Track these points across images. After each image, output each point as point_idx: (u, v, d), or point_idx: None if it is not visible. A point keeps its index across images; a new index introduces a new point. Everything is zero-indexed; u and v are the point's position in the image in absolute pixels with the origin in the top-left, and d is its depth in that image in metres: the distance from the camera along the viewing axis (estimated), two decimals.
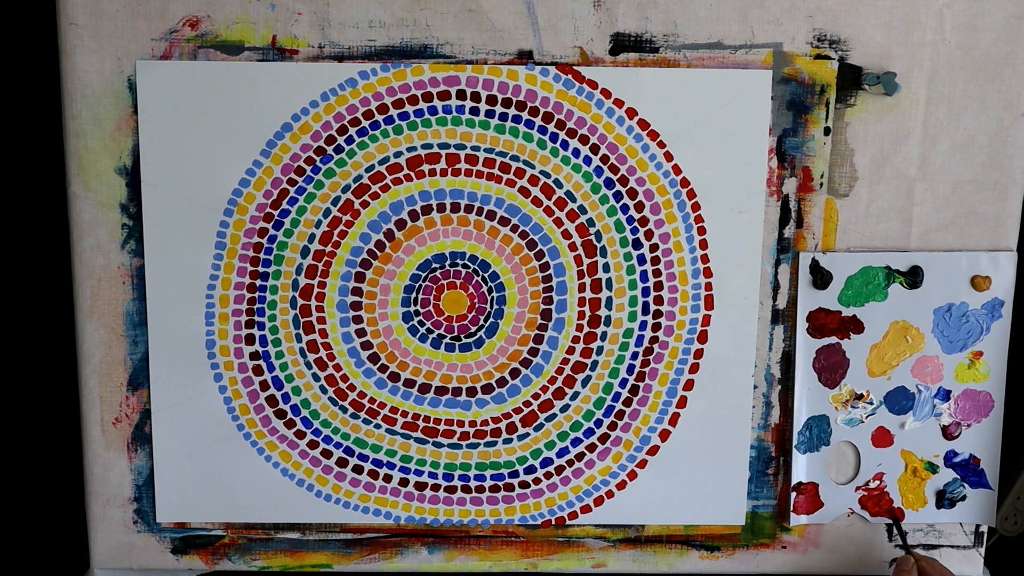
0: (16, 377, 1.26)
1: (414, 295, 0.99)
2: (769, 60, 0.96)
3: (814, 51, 0.97)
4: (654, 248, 1.00)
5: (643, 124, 0.97)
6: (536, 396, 1.02)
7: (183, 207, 0.97)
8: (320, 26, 0.95)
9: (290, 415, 1.01)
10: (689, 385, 1.02)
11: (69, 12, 0.93)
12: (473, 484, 1.03)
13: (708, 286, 1.00)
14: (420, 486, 1.03)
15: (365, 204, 0.98)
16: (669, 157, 0.98)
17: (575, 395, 1.02)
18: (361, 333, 1.00)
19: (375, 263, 0.99)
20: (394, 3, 0.94)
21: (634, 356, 1.01)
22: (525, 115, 0.97)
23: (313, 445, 1.02)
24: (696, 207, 0.99)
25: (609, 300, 1.00)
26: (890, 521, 1.05)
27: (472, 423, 1.02)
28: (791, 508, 1.04)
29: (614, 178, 0.98)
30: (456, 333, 1.00)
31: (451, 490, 1.03)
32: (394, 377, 1.01)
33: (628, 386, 1.02)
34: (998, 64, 0.97)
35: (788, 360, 1.02)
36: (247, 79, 0.95)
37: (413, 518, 1.04)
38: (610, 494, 1.04)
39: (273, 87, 0.95)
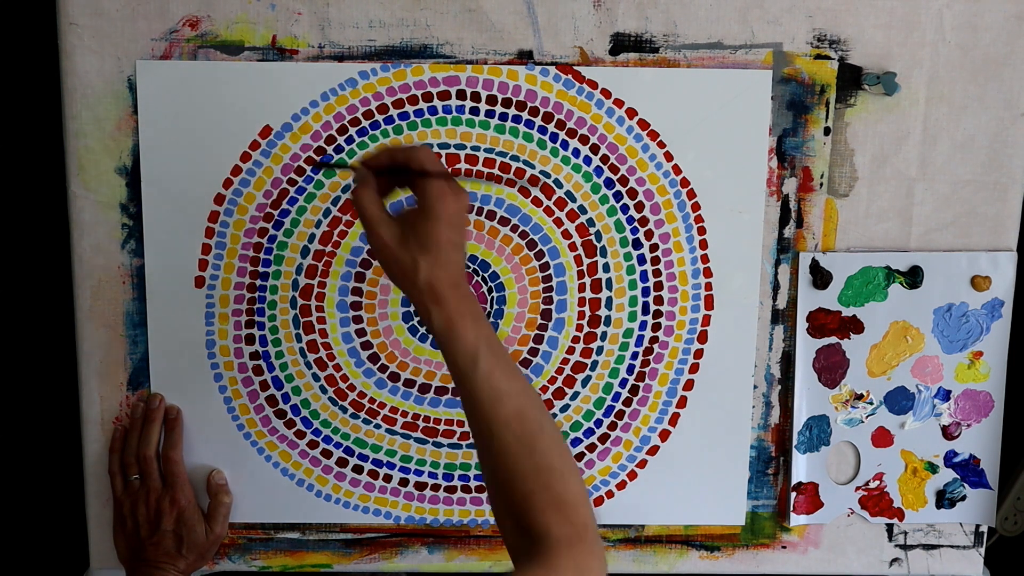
0: (16, 377, 1.26)
1: None
2: (769, 60, 0.96)
3: (814, 51, 0.97)
4: (654, 248, 1.00)
5: (643, 124, 0.97)
6: None
7: (183, 207, 0.97)
8: (320, 26, 0.95)
9: (290, 415, 1.01)
10: (689, 385, 1.02)
11: (69, 12, 0.93)
12: (473, 484, 1.03)
13: (708, 286, 1.00)
14: (420, 486, 1.03)
15: None
16: (669, 157, 0.98)
17: (575, 395, 1.02)
18: (361, 333, 1.00)
19: (375, 263, 0.99)
20: (394, 3, 0.94)
21: (634, 356, 1.01)
22: (525, 115, 0.97)
23: (313, 445, 1.02)
24: (696, 207, 0.99)
25: (609, 300, 1.00)
26: (890, 521, 1.05)
27: None
28: (791, 508, 1.04)
29: (614, 178, 0.98)
30: None
31: (451, 490, 1.03)
32: (394, 377, 1.01)
33: (628, 386, 1.02)
34: (998, 64, 0.97)
35: (788, 360, 1.02)
36: (247, 79, 0.95)
37: (413, 518, 1.04)
38: (610, 494, 1.04)
39: (273, 87, 0.95)
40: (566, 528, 0.77)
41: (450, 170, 0.94)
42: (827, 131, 0.98)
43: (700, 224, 0.99)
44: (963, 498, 1.05)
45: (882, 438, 1.04)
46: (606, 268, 1.00)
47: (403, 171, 0.81)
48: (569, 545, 0.77)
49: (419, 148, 0.82)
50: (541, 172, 0.98)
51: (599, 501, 1.04)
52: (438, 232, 0.80)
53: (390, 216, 0.81)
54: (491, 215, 0.98)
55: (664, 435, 1.03)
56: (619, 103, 0.97)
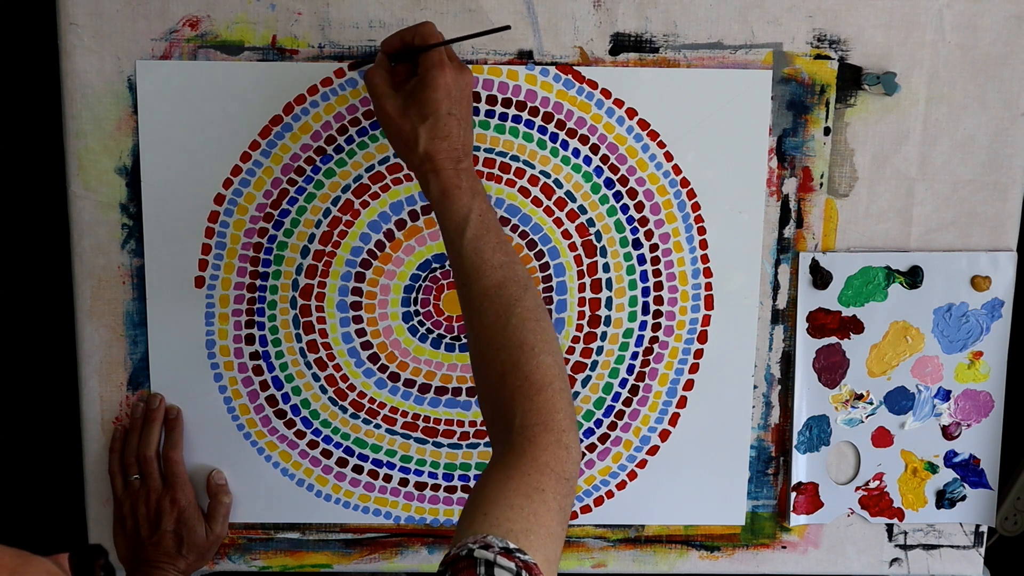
0: (16, 377, 1.26)
1: (414, 295, 0.99)
2: (769, 60, 0.96)
3: (814, 51, 0.97)
4: (654, 248, 1.00)
5: (643, 124, 0.97)
6: None
7: (183, 207, 0.97)
8: (320, 26, 0.95)
9: (290, 415, 1.01)
10: (689, 385, 1.02)
11: (69, 12, 0.93)
12: (473, 484, 1.03)
13: (708, 286, 1.00)
14: (420, 486, 1.03)
15: (365, 204, 0.98)
16: (669, 157, 0.98)
17: (575, 395, 1.02)
18: (361, 333, 1.00)
19: (375, 263, 0.99)
20: (394, 3, 0.94)
21: (634, 356, 1.01)
22: (525, 115, 0.97)
23: (313, 445, 1.02)
24: (696, 207, 0.99)
25: (609, 300, 1.00)
26: (890, 521, 1.05)
27: (472, 423, 1.02)
28: (791, 508, 1.04)
29: (614, 178, 0.98)
30: (456, 333, 1.00)
31: (451, 490, 1.03)
32: (394, 377, 1.01)
33: (628, 386, 1.02)
34: (998, 64, 0.97)
35: (788, 360, 1.02)
36: (247, 79, 0.95)
37: (413, 518, 1.04)
38: (610, 494, 1.04)
39: (273, 87, 0.95)
40: (532, 415, 0.76)
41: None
42: (827, 131, 0.98)
43: (700, 224, 0.99)
44: (963, 498, 1.05)
45: (882, 438, 1.04)
46: (606, 268, 1.00)
47: (411, 50, 0.86)
48: (532, 436, 0.75)
49: (423, 23, 0.86)
50: (541, 172, 0.98)
51: (599, 501, 1.04)
52: (435, 101, 0.83)
53: (394, 90, 0.85)
54: None
55: (664, 435, 1.03)
56: (619, 103, 0.97)
